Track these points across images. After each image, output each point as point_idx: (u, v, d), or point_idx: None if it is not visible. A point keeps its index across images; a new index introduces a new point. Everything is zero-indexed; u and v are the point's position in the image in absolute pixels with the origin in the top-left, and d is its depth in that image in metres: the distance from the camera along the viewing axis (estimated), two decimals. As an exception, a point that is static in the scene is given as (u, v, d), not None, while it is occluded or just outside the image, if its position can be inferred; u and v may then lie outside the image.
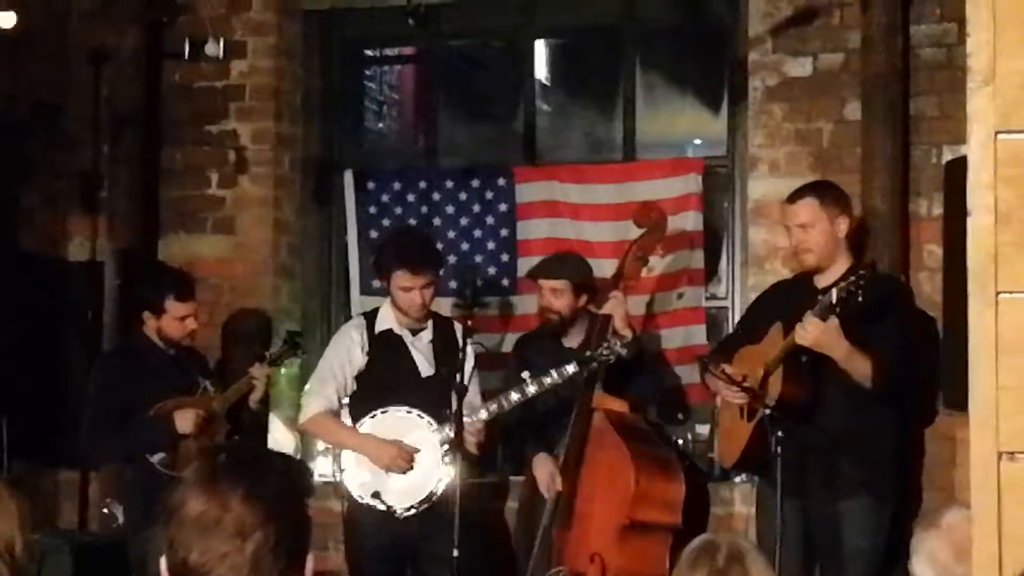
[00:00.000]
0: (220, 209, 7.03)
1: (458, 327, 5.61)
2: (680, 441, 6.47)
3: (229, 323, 6.90)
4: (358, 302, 7.10)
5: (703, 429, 6.65)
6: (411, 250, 5.66)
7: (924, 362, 5.52)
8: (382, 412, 5.46)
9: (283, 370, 6.39)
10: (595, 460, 5.58)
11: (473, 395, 5.48)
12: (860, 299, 4.82)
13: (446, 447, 5.38)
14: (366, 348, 5.58)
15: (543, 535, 5.56)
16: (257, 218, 7.02)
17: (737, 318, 6.63)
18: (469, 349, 5.50)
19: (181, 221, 7.04)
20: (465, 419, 5.29)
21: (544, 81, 7.69)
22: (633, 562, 5.38)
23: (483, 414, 5.39)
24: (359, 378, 5.59)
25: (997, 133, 2.08)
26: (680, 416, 6.47)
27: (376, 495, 5.40)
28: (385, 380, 5.46)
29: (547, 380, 5.40)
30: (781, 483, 5.01)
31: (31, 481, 6.75)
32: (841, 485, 5.22)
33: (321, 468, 6.83)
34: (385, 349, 5.51)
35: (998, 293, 2.07)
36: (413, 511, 5.40)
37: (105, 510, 6.25)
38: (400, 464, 5.41)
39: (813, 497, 5.26)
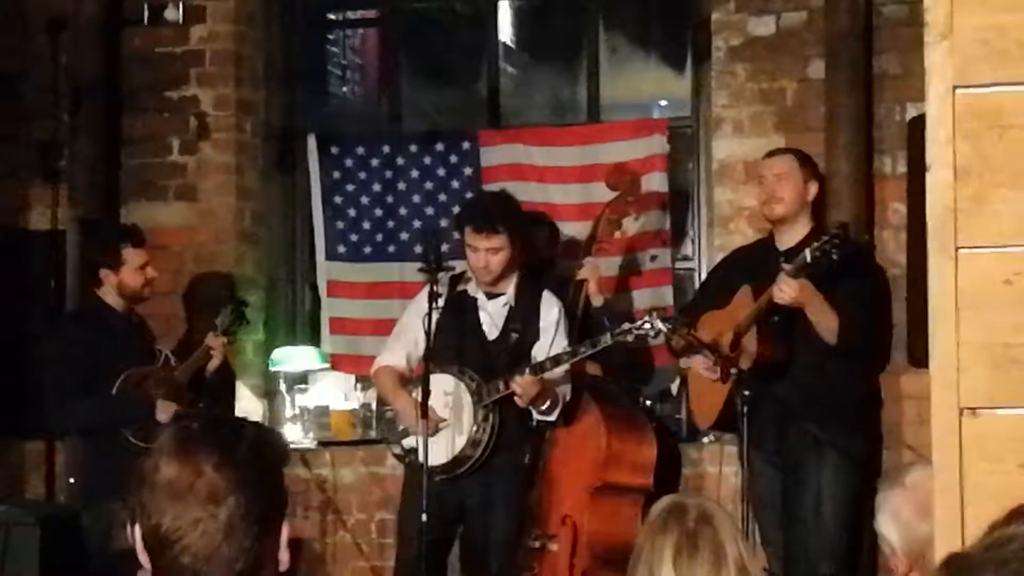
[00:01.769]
0: (182, 176, 6.97)
1: (546, 298, 5.52)
2: (648, 402, 6.47)
3: (191, 290, 6.86)
4: (323, 268, 7.07)
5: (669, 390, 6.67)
6: (478, 208, 5.57)
7: (883, 320, 5.66)
8: (441, 372, 5.36)
9: (242, 337, 6.34)
10: (568, 423, 5.58)
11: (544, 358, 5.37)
12: (834, 258, 4.97)
13: (481, 412, 5.32)
14: (438, 308, 5.47)
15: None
16: (220, 185, 6.96)
17: (704, 278, 6.66)
18: (552, 317, 5.43)
19: (143, 189, 6.98)
20: (512, 380, 5.22)
21: (508, 44, 7.65)
22: (605, 524, 5.40)
23: (517, 379, 5.28)
24: (433, 337, 5.48)
25: (955, 88, 2.07)
26: (643, 379, 6.46)
27: (412, 451, 5.34)
28: (451, 341, 5.37)
29: (582, 350, 5.33)
30: (755, 440, 5.23)
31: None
32: (810, 439, 5.33)
33: (290, 435, 6.82)
34: (457, 311, 5.41)
35: (958, 248, 2.07)
36: (446, 473, 5.30)
37: (72, 480, 6.22)
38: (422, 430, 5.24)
39: (784, 451, 5.37)
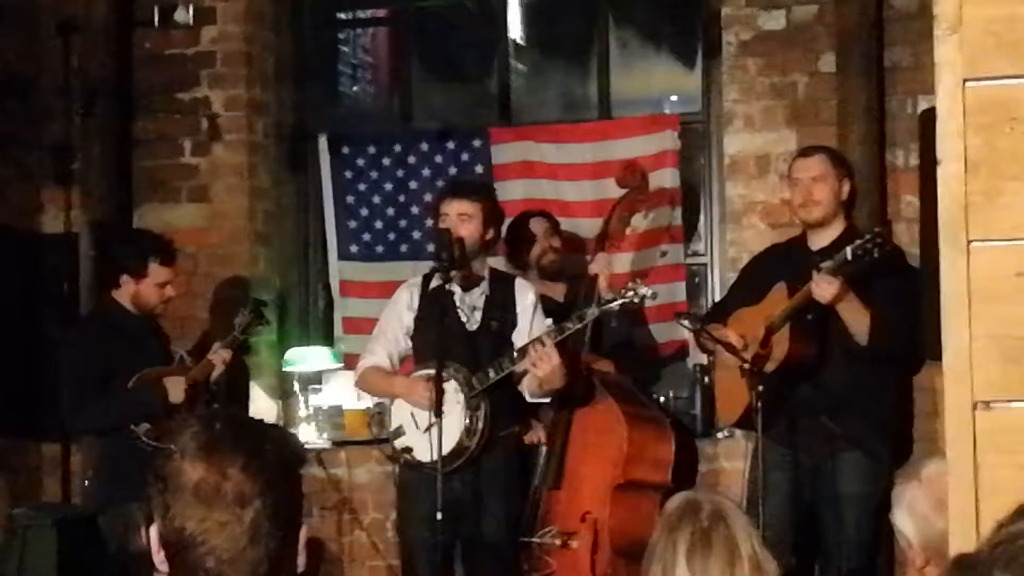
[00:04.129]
0: (194, 178, 6.99)
1: (520, 284, 5.53)
2: (661, 399, 6.47)
3: (206, 291, 6.87)
4: (336, 268, 7.08)
5: (684, 385, 6.66)
6: (451, 182, 5.76)
7: (917, 320, 5.59)
8: (424, 368, 5.31)
9: (253, 338, 6.35)
10: (585, 420, 5.56)
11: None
12: (875, 256, 4.93)
13: (473, 402, 5.28)
14: (415, 306, 5.46)
15: (533, 496, 5.56)
16: (232, 186, 6.97)
17: (716, 274, 6.66)
18: (528, 301, 5.43)
19: (155, 191, 6.99)
20: (534, 347, 5.17)
21: (518, 41, 7.65)
22: (624, 521, 5.38)
23: (537, 347, 5.21)
24: (412, 336, 5.49)
25: (965, 81, 2.07)
26: (654, 378, 6.44)
27: (408, 450, 5.34)
28: (432, 336, 5.31)
29: (568, 326, 5.26)
30: (775, 436, 5.20)
31: (13, 456, 6.74)
32: (836, 441, 5.30)
33: (305, 435, 6.83)
34: (434, 306, 5.36)
35: (969, 242, 2.06)
36: (444, 466, 5.16)
37: (87, 483, 6.23)
38: (427, 397, 5.19)
39: (807, 451, 5.34)
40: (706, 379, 6.36)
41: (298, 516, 2.07)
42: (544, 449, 5.64)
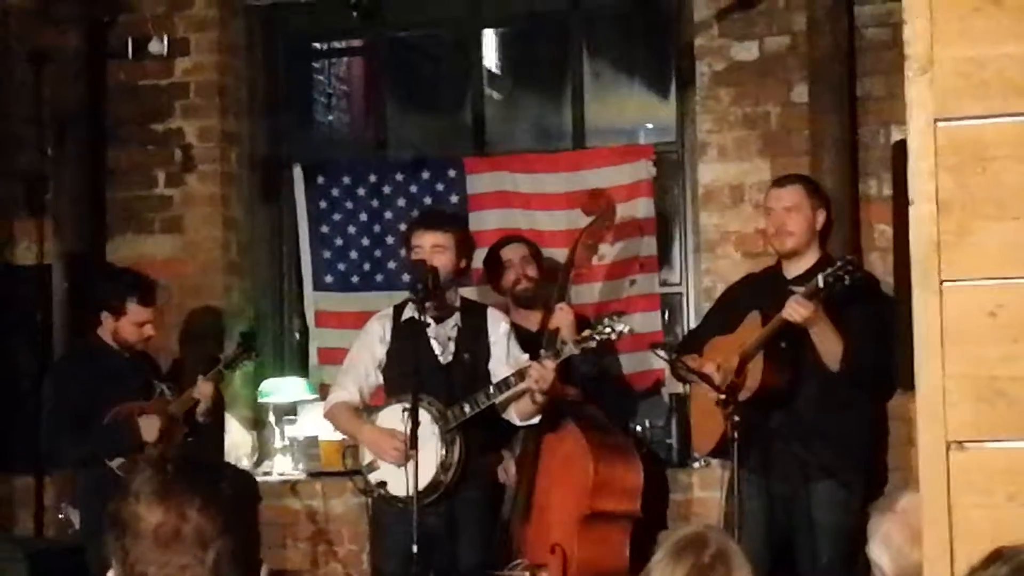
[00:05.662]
0: (168, 209, 6.96)
1: (492, 314, 5.52)
2: (638, 428, 6.47)
3: (183, 324, 6.84)
4: (311, 298, 7.06)
5: (660, 414, 6.66)
6: (423, 213, 5.87)
7: (890, 350, 5.61)
8: (397, 402, 5.30)
9: (238, 371, 6.34)
10: (552, 450, 5.56)
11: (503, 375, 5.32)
12: (847, 284, 4.97)
13: (448, 436, 5.26)
14: (387, 339, 5.45)
15: (503, 528, 5.54)
16: (206, 216, 6.95)
17: (691, 304, 6.67)
18: (501, 331, 5.42)
19: (129, 222, 6.96)
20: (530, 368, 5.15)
21: (493, 70, 7.66)
22: (594, 552, 5.38)
23: (536, 366, 5.19)
24: (384, 368, 5.47)
25: (936, 120, 2.07)
26: (628, 408, 6.43)
27: (382, 484, 5.31)
28: (405, 369, 5.28)
29: (558, 351, 5.25)
30: (750, 465, 5.19)
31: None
32: (811, 470, 5.31)
33: (280, 466, 6.81)
34: (406, 338, 5.35)
35: (942, 282, 2.07)
36: (419, 501, 5.11)
37: (60, 515, 6.19)
38: (394, 455, 5.23)
39: (781, 480, 5.35)
40: (679, 407, 6.37)
41: (258, 554, 2.06)
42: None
